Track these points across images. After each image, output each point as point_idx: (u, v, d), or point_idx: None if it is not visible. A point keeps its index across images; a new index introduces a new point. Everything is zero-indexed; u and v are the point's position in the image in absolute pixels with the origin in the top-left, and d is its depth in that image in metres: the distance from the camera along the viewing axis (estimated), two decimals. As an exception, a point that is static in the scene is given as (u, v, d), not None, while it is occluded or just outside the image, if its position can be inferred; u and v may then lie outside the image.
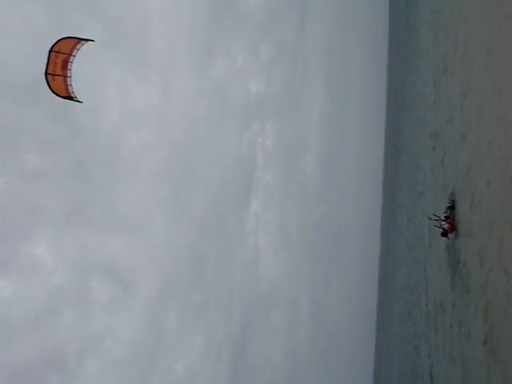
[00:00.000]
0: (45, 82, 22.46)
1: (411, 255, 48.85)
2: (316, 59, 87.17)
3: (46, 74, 21.73)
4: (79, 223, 57.46)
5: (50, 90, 22.44)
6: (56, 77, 22.02)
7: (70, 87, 22.55)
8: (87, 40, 22.51)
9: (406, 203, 57.24)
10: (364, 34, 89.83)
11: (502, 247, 20.20)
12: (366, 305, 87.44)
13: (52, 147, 54.88)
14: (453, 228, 25.05)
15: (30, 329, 51.16)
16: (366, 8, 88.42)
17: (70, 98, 22.94)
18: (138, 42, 64.59)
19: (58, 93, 22.63)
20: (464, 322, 23.34)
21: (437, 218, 27.10)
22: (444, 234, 25.74)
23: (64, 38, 22.05)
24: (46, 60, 21.71)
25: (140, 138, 64.78)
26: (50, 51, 21.66)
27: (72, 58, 22.42)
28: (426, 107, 47.64)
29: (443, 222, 25.63)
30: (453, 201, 25.81)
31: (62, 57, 21.91)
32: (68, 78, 22.35)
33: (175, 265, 67.25)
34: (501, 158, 20.42)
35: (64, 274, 55.65)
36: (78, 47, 22.61)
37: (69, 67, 22.18)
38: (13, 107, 49.97)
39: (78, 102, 22.93)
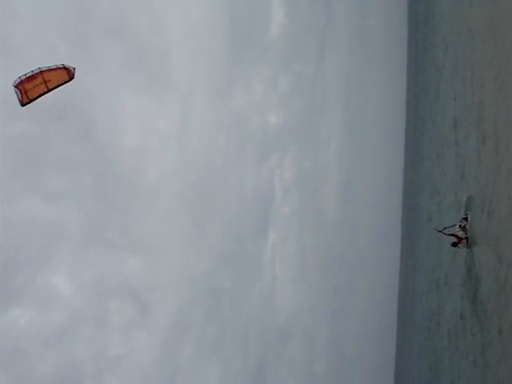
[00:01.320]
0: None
1: (430, 281, 48.24)
2: (335, 91, 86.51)
3: (48, 90, 22.11)
4: (98, 244, 57.09)
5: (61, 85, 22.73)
6: (45, 77, 21.92)
7: (55, 66, 22.38)
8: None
9: (424, 231, 56.56)
10: (383, 65, 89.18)
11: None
12: (385, 336, 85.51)
13: (73, 167, 54.78)
14: (461, 238, 27.77)
15: (46, 349, 50.72)
16: (385, 40, 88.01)
17: (71, 72, 22.82)
18: (158, 71, 64.63)
19: (65, 79, 22.76)
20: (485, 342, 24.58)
21: (441, 230, 30.20)
22: (455, 244, 28.39)
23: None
24: None
25: (158, 168, 64.37)
26: (27, 101, 22.14)
27: (23, 77, 21.96)
28: (445, 140, 47.07)
29: (458, 229, 28.12)
30: (467, 214, 28.28)
31: (25, 84, 21.87)
32: (44, 68, 22.08)
33: (191, 295, 66.26)
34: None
35: (82, 295, 55.11)
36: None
37: (28, 74, 21.90)
38: (35, 126, 50.01)
39: (74, 68, 22.83)
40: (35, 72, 21.62)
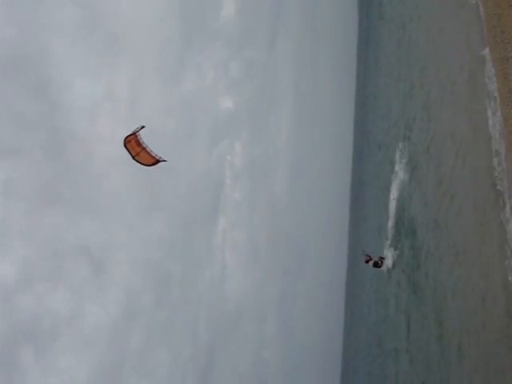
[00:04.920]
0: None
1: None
2: (286, 77, 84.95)
3: (134, 157, 27.43)
4: (52, 202, 55.22)
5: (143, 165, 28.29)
6: (140, 153, 27.41)
7: (152, 152, 27.61)
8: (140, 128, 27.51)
9: (370, 215, 57.38)
10: (334, 51, 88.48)
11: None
12: (334, 317, 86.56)
13: (27, 124, 52.37)
14: (370, 260, 42.08)
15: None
16: (336, 26, 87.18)
17: (157, 161, 27.96)
18: (107, 55, 62.53)
19: (148, 163, 27.89)
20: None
21: (365, 253, 43.58)
22: (366, 261, 42.77)
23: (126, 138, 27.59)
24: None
25: (106, 154, 62.29)
26: (124, 145, 27.39)
27: (138, 135, 27.33)
28: (391, 128, 47.36)
29: (367, 257, 42.66)
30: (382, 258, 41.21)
31: (132, 141, 27.15)
32: (147, 148, 27.43)
33: (140, 281, 65.01)
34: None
35: (35, 253, 53.12)
36: (136, 132, 27.50)
37: (141, 142, 27.19)
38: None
39: (164, 161, 28.07)
40: (144, 145, 27.16)
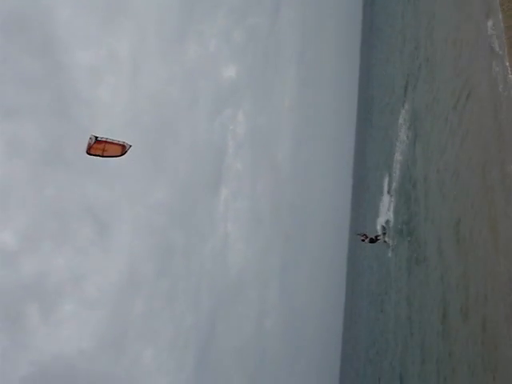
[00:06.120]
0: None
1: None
2: (289, 45, 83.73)
3: (103, 156, 26.76)
4: (57, 163, 55.16)
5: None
6: (105, 148, 26.64)
7: (114, 141, 26.78)
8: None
9: (373, 183, 57.29)
10: (337, 20, 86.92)
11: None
12: (336, 284, 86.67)
13: (31, 83, 51.94)
14: (366, 237, 44.19)
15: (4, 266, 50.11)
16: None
17: (124, 147, 26.87)
18: (108, 25, 61.47)
19: (117, 153, 26.96)
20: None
21: (360, 233, 46.53)
22: (362, 240, 44.81)
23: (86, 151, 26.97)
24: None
25: (108, 123, 61.66)
26: (89, 154, 26.68)
27: (93, 138, 26.63)
28: (396, 92, 46.97)
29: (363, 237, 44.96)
30: (384, 233, 42.12)
31: (93, 145, 26.38)
32: (108, 140, 26.61)
33: (142, 250, 65.17)
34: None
35: (39, 213, 53.59)
36: (90, 144, 26.69)
37: (100, 139, 26.49)
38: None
39: (130, 145, 27.05)
40: (103, 139, 26.25)
